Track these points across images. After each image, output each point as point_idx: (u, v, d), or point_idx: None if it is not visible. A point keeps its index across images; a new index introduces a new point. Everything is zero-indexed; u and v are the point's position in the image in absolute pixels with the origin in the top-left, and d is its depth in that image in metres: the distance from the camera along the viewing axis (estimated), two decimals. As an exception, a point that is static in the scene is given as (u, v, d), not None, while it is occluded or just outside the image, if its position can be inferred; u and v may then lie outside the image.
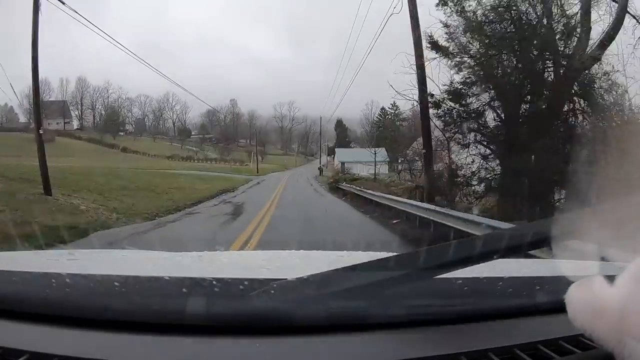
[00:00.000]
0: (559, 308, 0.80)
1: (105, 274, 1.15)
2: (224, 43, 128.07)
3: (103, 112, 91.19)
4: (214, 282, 1.03)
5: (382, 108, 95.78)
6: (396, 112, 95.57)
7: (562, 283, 0.84)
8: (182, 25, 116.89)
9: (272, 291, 0.98)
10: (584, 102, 12.21)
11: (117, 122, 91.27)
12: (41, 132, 15.24)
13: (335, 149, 72.38)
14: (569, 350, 0.91)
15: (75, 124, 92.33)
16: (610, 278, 0.71)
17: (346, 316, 0.97)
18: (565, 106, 12.33)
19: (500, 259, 1.06)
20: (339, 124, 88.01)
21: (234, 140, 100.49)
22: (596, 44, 11.15)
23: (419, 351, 0.90)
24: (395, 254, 1.13)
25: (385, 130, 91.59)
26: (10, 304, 0.99)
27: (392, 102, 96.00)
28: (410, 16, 13.09)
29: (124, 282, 1.08)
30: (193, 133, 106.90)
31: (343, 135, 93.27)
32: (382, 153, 63.67)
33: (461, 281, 1.11)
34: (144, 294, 1.03)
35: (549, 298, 1.04)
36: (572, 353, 0.90)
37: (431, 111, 13.82)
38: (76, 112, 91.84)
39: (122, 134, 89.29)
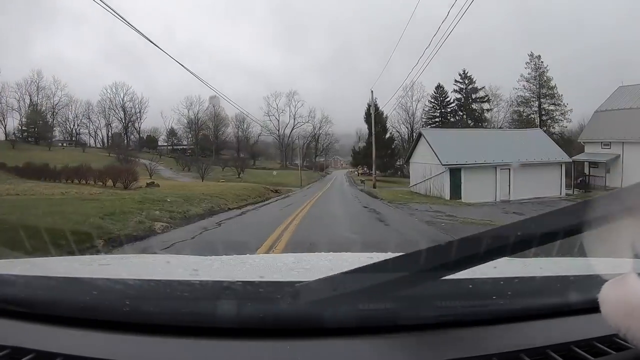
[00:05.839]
0: (593, 307, 0.79)
1: (137, 279, 1.19)
2: (206, 45, 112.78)
3: (50, 115, 70.41)
4: (244, 286, 1.06)
5: (439, 86, 66.01)
6: (469, 86, 54.77)
7: (595, 281, 0.83)
8: (153, 25, 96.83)
9: (301, 293, 1.00)
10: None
11: (40, 127, 69.28)
12: None
13: (422, 132, 32.48)
14: (603, 351, 0.91)
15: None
16: None
17: (376, 318, 0.99)
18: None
19: (533, 258, 1.11)
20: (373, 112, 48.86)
21: (215, 150, 73.71)
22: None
23: (450, 353, 0.91)
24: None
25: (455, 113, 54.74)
26: (45, 307, 1.03)
27: (462, 71, 55.01)
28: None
29: (155, 286, 1.13)
30: (160, 142, 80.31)
31: (381, 128, 54.22)
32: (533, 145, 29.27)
33: (492, 281, 1.12)
34: (175, 298, 1.07)
35: (581, 297, 1.03)
36: (606, 354, 0.90)
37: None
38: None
39: (61, 145, 69.23)
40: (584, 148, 32.17)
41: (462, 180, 25.12)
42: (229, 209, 17.56)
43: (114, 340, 0.95)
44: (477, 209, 20.58)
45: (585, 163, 31.77)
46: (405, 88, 46.75)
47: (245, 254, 1.92)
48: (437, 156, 26.35)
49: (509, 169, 25.18)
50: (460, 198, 24.52)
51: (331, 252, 1.87)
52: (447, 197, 25.12)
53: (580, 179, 31.64)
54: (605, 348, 0.91)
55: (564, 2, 77.18)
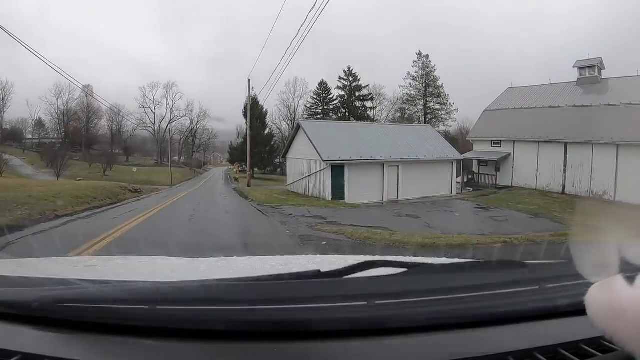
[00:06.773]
0: (579, 310, 0.81)
1: (123, 280, 1.16)
2: (83, 28, 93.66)
3: None
4: (233, 287, 1.03)
5: (322, 82, 62.98)
6: (353, 84, 52.32)
7: (582, 284, 0.84)
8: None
9: (289, 296, 0.98)
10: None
11: None
12: None
13: (301, 124, 27.30)
14: (590, 353, 0.92)
15: None
16: (631, 279, 0.71)
17: (364, 320, 0.97)
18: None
19: (517, 262, 1.14)
20: (252, 106, 43.17)
21: (86, 145, 64.23)
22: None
23: (439, 356, 0.91)
24: (415, 259, 1.22)
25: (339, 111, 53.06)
26: (30, 309, 0.99)
27: (347, 68, 52.45)
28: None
29: (141, 288, 1.07)
30: (28, 134, 69.91)
31: (260, 123, 49.46)
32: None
33: (480, 285, 1.11)
34: (161, 301, 1.00)
35: (568, 300, 1.05)
36: (593, 356, 0.92)
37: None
38: None
39: None
40: (473, 146, 30.45)
41: (346, 179, 21.56)
42: (57, 216, 13.06)
43: (100, 342, 0.93)
44: (364, 211, 17.19)
45: (474, 161, 30.56)
46: (287, 83, 42.37)
47: (233, 257, 1.87)
48: (317, 151, 22.29)
49: (398, 166, 21.85)
50: (343, 198, 20.91)
51: (319, 255, 1.96)
52: (329, 197, 21.20)
53: (470, 177, 29.83)
54: (592, 350, 0.92)
55: (455, 7, 79.63)
